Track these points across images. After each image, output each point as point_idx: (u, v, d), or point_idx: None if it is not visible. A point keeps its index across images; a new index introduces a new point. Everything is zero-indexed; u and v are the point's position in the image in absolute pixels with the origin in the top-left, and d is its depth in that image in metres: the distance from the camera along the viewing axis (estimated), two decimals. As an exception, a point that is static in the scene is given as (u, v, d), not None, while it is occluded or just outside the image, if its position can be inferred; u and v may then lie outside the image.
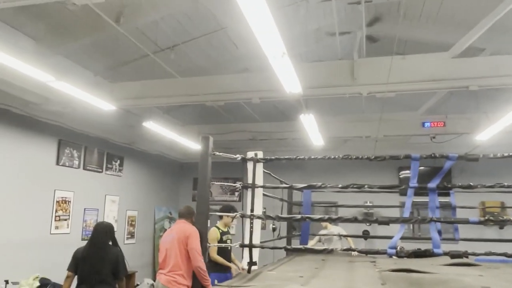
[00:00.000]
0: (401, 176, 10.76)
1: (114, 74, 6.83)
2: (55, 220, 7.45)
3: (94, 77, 6.72)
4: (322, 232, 8.31)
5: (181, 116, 9.47)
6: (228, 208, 5.57)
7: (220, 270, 5.25)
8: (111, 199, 9.06)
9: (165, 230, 11.20)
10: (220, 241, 5.36)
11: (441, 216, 4.34)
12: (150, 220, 10.71)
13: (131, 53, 6.75)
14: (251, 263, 4.15)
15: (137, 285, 9.25)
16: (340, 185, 4.32)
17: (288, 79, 4.72)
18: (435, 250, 3.83)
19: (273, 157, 4.47)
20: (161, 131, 7.78)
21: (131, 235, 9.78)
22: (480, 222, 3.90)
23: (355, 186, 4.19)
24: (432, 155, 4.00)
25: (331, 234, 8.05)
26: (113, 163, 9.20)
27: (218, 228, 5.55)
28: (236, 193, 11.96)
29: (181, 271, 4.24)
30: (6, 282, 6.17)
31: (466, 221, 3.88)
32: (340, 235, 7.71)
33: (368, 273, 5.12)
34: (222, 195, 11.99)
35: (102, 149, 8.81)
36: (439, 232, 4.91)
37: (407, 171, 11.11)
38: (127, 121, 8.35)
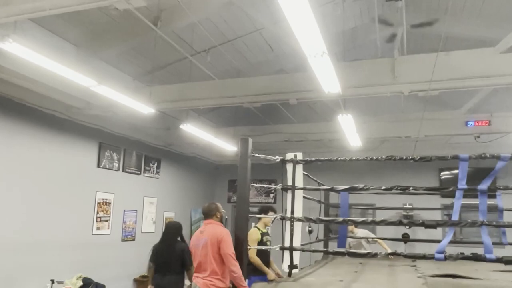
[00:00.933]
0: (442, 178, 10.40)
1: (151, 77, 6.95)
2: (97, 221, 7.64)
3: (133, 81, 6.87)
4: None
5: (215, 118, 9.53)
6: (266, 209, 5.51)
7: (260, 273, 5.07)
8: (149, 200, 9.22)
9: (201, 231, 11.31)
10: (260, 242, 5.21)
11: (494, 221, 4.12)
12: (186, 222, 10.82)
13: (168, 56, 6.86)
14: (292, 266, 4.09)
15: (175, 285, 9.36)
16: (383, 187, 4.19)
17: (327, 79, 4.63)
18: (488, 256, 3.64)
19: (313, 159, 4.39)
20: (198, 133, 7.85)
21: (169, 236, 9.92)
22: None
23: (399, 188, 4.06)
24: (483, 155, 3.82)
25: (359, 237, 7.85)
26: (151, 165, 9.35)
27: (259, 229, 5.40)
28: (271, 195, 11.91)
29: (218, 276, 4.19)
30: (52, 281, 6.38)
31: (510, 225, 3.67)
32: (368, 238, 7.51)
33: (411, 278, 4.94)
34: (257, 196, 11.97)
35: (140, 151, 8.99)
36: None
37: (448, 172, 10.78)
38: (164, 123, 8.48)
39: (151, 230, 9.23)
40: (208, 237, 4.32)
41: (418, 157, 4.02)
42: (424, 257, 3.97)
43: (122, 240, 8.34)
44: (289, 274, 4.12)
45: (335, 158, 4.49)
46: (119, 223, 8.26)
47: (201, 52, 6.81)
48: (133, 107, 5.82)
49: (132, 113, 6.42)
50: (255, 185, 4.08)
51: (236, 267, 3.92)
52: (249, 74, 6.99)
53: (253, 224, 5.69)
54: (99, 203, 7.70)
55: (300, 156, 4.37)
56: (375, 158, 4.31)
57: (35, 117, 6.51)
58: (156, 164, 9.53)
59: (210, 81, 6.59)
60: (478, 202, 3.94)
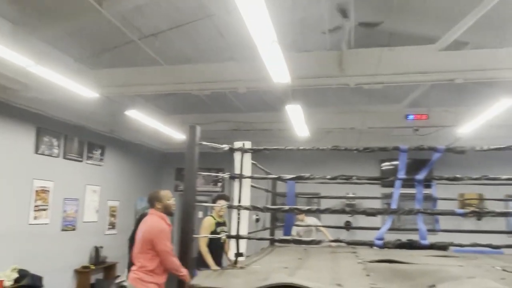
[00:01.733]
0: (382, 168, 10.87)
1: (96, 61, 6.64)
2: (34, 210, 7.25)
3: (75, 64, 6.52)
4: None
5: (164, 105, 9.31)
6: (215, 198, 5.35)
7: (207, 266, 4.83)
8: (92, 189, 8.88)
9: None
10: (214, 232, 5.06)
11: (428, 209, 4.38)
12: (131, 211, 10.56)
13: (114, 39, 6.56)
14: (238, 254, 4.11)
15: (118, 276, 9.13)
16: (328, 176, 4.32)
17: (277, 68, 4.66)
18: (422, 242, 3.87)
19: (261, 147, 4.42)
20: (144, 120, 7.64)
21: (112, 225, 9.63)
22: (465, 214, 3.95)
23: (343, 177, 4.19)
24: (421, 146, 4.03)
25: (309, 225, 8.09)
26: (94, 152, 9.00)
27: (214, 218, 5.27)
28: (219, 184, 11.90)
29: (146, 269, 3.86)
30: (-17, 273, 6.01)
31: (452, 213, 3.93)
32: (317, 226, 7.76)
33: (352, 263, 5.15)
34: (204, 185, 11.91)
35: (83, 137, 8.60)
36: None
37: (388, 163, 11.30)
38: (109, 109, 8.16)
39: (93, 220, 8.92)
40: (142, 230, 4.04)
41: (362, 148, 4.18)
42: (364, 244, 4.16)
43: (62, 230, 7.98)
44: (235, 262, 4.15)
45: (284, 147, 4.56)
46: (58, 212, 7.88)
47: (149, 36, 6.58)
48: (75, 90, 5.54)
49: (73, 97, 6.11)
50: (203, 173, 4.03)
51: (173, 263, 3.73)
52: (199, 61, 6.87)
53: (208, 213, 5.61)
54: (37, 191, 7.30)
55: (248, 145, 4.38)
56: (321, 148, 4.42)
57: (-36, 98, 6.05)
58: (100, 151, 9.18)
59: (158, 67, 6.41)
60: (415, 192, 4.18)
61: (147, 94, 7.19)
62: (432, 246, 4.20)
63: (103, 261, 8.83)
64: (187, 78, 6.04)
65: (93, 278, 8.49)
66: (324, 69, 5.60)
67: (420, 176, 4.10)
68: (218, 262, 5.22)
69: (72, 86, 5.45)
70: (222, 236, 4.29)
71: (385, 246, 3.95)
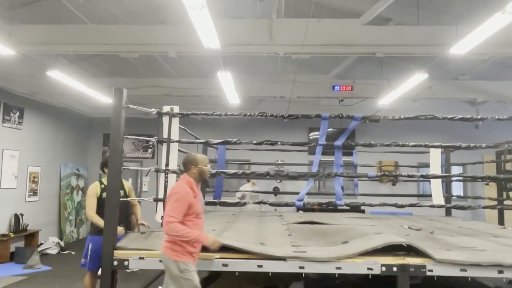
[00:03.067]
0: (311, 137, 11.35)
1: (12, 15, 6.12)
2: None
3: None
4: (246, 188, 8.60)
5: (91, 68, 8.86)
6: (106, 161, 4.52)
7: (99, 233, 4.25)
8: (10, 153, 8.35)
9: (72, 187, 10.69)
10: (100, 198, 4.55)
11: (344, 173, 4.72)
12: (55, 177, 10.11)
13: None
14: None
15: (41, 243, 8.82)
16: (254, 141, 4.49)
17: (207, 34, 4.65)
18: (338, 203, 4.22)
19: (189, 112, 4.46)
20: (68, 82, 7.24)
21: (34, 192, 9.18)
22: (377, 177, 4.35)
23: (268, 142, 4.39)
24: (340, 115, 4.31)
25: (247, 191, 8.40)
26: (12, 114, 8.41)
27: (101, 183, 4.67)
28: (150, 150, 11.72)
29: (167, 238, 3.39)
30: None
31: (365, 175, 4.29)
32: (256, 192, 8.09)
33: (277, 225, 5.48)
34: (134, 151, 11.67)
35: (-1, 99, 7.99)
36: (342, 188, 5.38)
37: (317, 133, 11.82)
38: (28, 69, 7.62)
39: (12, 186, 8.43)
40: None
41: (287, 115, 4.38)
42: (286, 204, 4.42)
43: (-24, 197, 7.49)
44: (161, 224, 4.22)
45: (211, 112, 4.64)
46: (-29, 177, 7.36)
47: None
48: (-13, 46, 5.11)
49: (-14, 54, 5.64)
50: (129, 136, 4.00)
51: (170, 231, 3.22)
52: (128, 23, 6.60)
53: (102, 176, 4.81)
54: None
55: (176, 109, 4.40)
56: (248, 114, 4.56)
57: None
58: (18, 114, 8.59)
59: (82, 25, 6.07)
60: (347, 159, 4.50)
61: (69, 54, 6.80)
62: (346, 207, 4.59)
63: (24, 229, 8.45)
64: (115, 39, 5.80)
65: (13, 247, 8.11)
66: (254, 37, 5.67)
67: (338, 142, 4.41)
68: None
69: (-16, 41, 5.02)
70: (148, 199, 4.31)
71: (305, 207, 4.27)
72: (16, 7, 6.18)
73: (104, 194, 4.37)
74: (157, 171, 4.28)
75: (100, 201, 4.48)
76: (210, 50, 5.24)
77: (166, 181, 4.26)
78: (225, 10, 6.42)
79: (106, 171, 4.48)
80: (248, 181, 8.85)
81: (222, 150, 6.42)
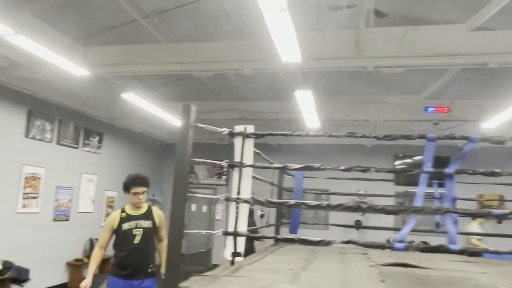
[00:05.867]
0: (396, 166, 10.27)
1: (90, 40, 6.10)
2: (23, 198, 6.79)
3: (63, 38, 5.97)
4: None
5: (167, 92, 8.79)
6: (128, 183, 4.14)
7: (118, 274, 3.83)
8: (88, 177, 8.41)
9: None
10: (119, 229, 3.92)
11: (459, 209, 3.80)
12: (131, 202, 10.08)
13: (111, 18, 6.03)
14: (235, 253, 3.58)
15: (114, 270, 8.68)
16: (342, 167, 3.76)
17: (286, 44, 4.10)
18: (452, 247, 3.29)
19: (265, 132, 3.88)
20: (143, 105, 7.12)
21: (109, 217, 9.16)
22: (503, 215, 3.38)
23: (359, 168, 3.64)
24: (451, 135, 3.44)
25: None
26: (91, 139, 8.52)
27: (122, 211, 3.99)
28: (224, 177, 11.38)
29: None
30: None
31: (488, 214, 3.35)
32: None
33: (363, 266, 4.61)
34: (208, 178, 11.41)
35: (79, 123, 8.12)
36: (437, 225, 4.44)
37: (402, 161, 10.68)
38: (107, 93, 7.66)
39: (89, 210, 8.45)
40: None
41: (382, 136, 3.62)
42: (381, 247, 3.60)
43: (54, 220, 7.53)
44: (232, 263, 3.62)
45: (290, 132, 4.01)
46: (50, 201, 7.42)
47: (149, 16, 6.04)
48: (63, 67, 5.03)
49: (66, 77, 5.62)
50: (196, 159, 3.47)
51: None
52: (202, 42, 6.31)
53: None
54: (26, 178, 6.83)
55: (251, 129, 3.83)
56: (334, 135, 3.86)
57: None
58: (97, 138, 8.70)
59: (155, 45, 5.87)
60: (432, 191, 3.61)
61: (145, 78, 6.65)
62: (462, 252, 3.64)
63: (98, 254, 8.37)
64: (187, 57, 5.50)
65: (85, 272, 8.02)
66: (339, 50, 5.02)
67: (450, 169, 3.53)
68: (136, 266, 4.01)
69: (60, 62, 4.93)
70: (216, 232, 3.75)
71: (407, 249, 3.42)
72: (96, 33, 6.15)
73: (125, 226, 3.88)
74: (227, 199, 3.70)
75: (119, 234, 3.86)
76: (289, 65, 4.68)
77: (237, 212, 3.66)
78: (304, 21, 5.87)
79: (129, 195, 3.93)
80: (474, 219, 7.10)
81: (299, 177, 5.73)
